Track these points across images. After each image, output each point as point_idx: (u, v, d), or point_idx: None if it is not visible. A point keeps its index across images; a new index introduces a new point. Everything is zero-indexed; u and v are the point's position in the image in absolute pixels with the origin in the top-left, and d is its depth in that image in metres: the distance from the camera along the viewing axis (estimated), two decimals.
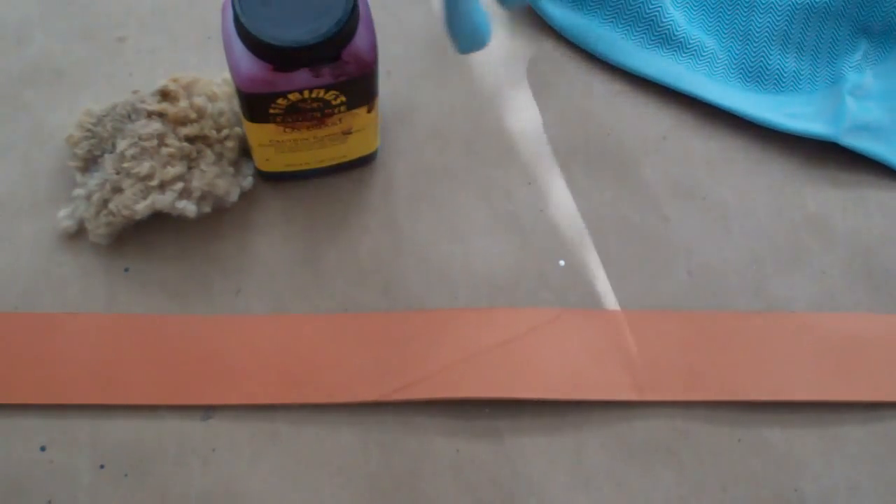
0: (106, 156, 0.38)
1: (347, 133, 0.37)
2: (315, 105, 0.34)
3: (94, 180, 0.38)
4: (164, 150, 0.37)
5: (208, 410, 0.36)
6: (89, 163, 0.39)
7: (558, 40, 0.45)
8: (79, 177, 0.38)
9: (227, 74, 0.39)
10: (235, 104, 0.38)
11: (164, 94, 0.38)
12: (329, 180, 0.41)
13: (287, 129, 0.35)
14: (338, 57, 0.32)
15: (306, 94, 0.33)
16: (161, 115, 0.38)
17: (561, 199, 0.41)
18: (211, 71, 0.40)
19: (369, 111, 0.36)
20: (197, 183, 0.37)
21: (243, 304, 0.38)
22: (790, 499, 0.35)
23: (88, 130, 0.38)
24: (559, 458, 0.36)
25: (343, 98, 0.34)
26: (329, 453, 0.35)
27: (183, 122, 0.38)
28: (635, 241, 0.40)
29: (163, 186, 0.37)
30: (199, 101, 0.38)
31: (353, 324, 0.37)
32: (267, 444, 0.35)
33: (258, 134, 0.36)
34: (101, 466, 0.34)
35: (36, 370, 0.36)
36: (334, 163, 0.39)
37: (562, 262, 0.40)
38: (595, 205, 0.41)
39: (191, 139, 0.38)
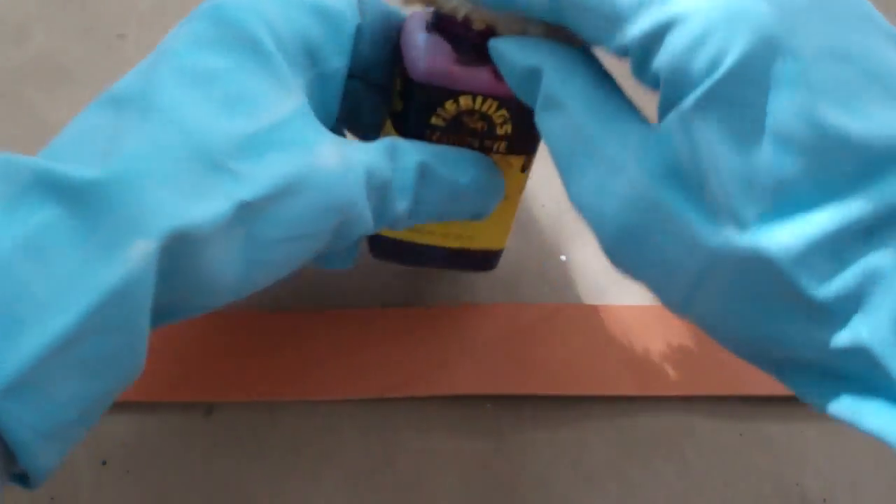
0: None
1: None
2: (479, 126, 0.30)
3: None
4: None
5: (210, 407, 0.36)
6: None
7: None
8: None
9: None
10: None
11: None
12: None
13: None
14: None
15: (479, 101, 0.30)
16: None
17: (563, 194, 0.41)
18: None
19: (523, 170, 0.32)
20: None
21: (243, 301, 0.38)
22: (792, 493, 0.35)
23: None
24: (561, 454, 0.36)
25: (509, 128, 0.30)
26: (330, 449, 0.35)
27: None
28: None
29: None
30: None
31: (353, 320, 0.37)
32: (269, 440, 0.35)
33: None
34: (103, 463, 0.34)
35: None
36: (457, 245, 0.34)
37: (563, 258, 0.40)
38: None
39: None
